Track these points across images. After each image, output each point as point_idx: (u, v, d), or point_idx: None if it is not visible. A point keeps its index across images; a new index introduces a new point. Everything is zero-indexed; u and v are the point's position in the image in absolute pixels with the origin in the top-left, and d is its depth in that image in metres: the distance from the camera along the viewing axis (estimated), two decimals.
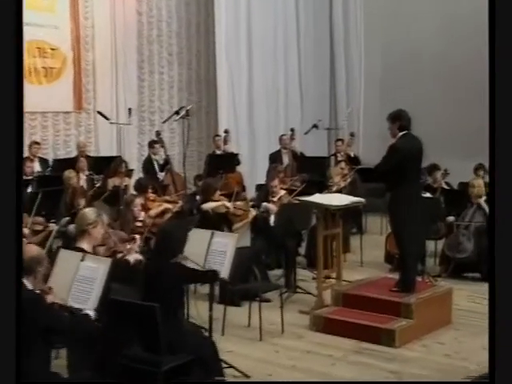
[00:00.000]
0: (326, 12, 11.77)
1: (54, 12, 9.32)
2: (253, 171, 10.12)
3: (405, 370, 4.54)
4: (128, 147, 9.70)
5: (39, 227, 5.90)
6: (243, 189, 8.61)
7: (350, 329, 5.10)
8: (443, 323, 5.37)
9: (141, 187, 6.60)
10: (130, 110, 7.86)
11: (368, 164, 7.01)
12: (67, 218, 6.16)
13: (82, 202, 6.33)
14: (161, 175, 8.68)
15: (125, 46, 10.02)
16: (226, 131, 9.61)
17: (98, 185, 7.85)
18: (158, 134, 9.02)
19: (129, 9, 10.03)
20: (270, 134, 10.69)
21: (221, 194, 6.73)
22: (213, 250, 4.49)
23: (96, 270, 3.91)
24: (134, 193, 6.68)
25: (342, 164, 8.51)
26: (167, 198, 7.10)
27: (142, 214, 6.00)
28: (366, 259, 7.39)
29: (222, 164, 8.74)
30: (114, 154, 8.48)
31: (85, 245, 4.20)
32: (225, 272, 4.42)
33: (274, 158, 9.29)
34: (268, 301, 5.63)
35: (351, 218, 7.67)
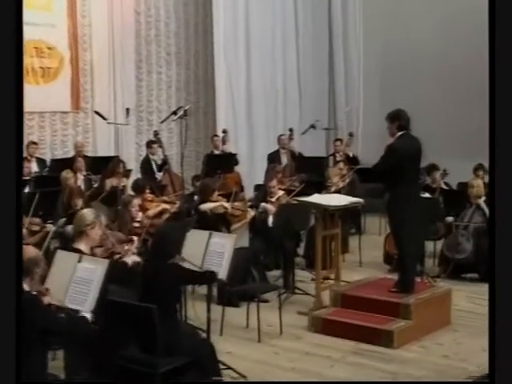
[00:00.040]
0: (325, 11, 11.75)
1: (51, 11, 9.28)
2: (251, 171, 10.09)
3: (403, 371, 4.53)
4: (126, 147, 9.69)
5: (36, 228, 5.87)
6: (241, 189, 8.59)
7: (349, 330, 5.09)
8: (442, 324, 5.36)
9: (138, 188, 6.58)
10: (127, 109, 7.83)
11: (367, 164, 7.00)
12: (64, 219, 6.14)
13: (80, 202, 6.30)
14: (159, 175, 8.65)
15: (123, 46, 10.00)
16: (224, 131, 9.59)
17: (95, 185, 7.83)
18: (155, 134, 9.00)
19: (127, 8, 10.01)
20: (268, 134, 10.67)
21: (219, 195, 6.70)
22: (211, 251, 4.47)
23: (93, 271, 3.90)
24: (132, 193, 6.65)
25: (341, 164, 8.50)
26: (165, 198, 7.07)
27: (140, 214, 5.98)
28: (365, 260, 7.37)
29: (220, 164, 8.72)
30: (112, 154, 8.46)
31: (82, 246, 4.19)
32: (223, 273, 4.40)
33: (273, 158, 9.27)
34: (266, 301, 5.61)
35: (350, 218, 7.65)
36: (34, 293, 3.50)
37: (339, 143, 9.61)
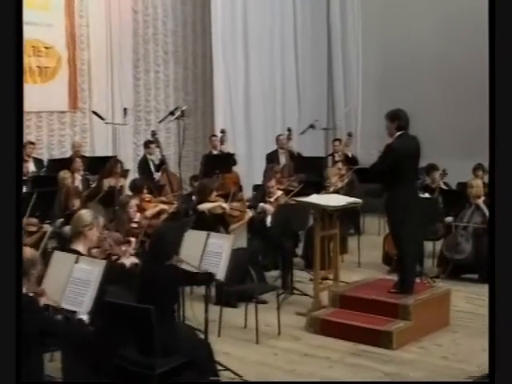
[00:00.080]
0: (324, 11, 11.73)
1: (48, 10, 9.25)
2: (249, 171, 10.07)
3: (402, 372, 4.51)
4: (124, 147, 9.66)
5: (33, 228, 5.84)
6: (240, 189, 8.56)
7: (348, 331, 5.07)
8: (441, 325, 5.35)
9: (136, 188, 6.55)
10: (125, 109, 7.80)
11: (366, 164, 6.97)
12: (62, 219, 6.11)
13: (77, 202, 6.28)
14: (157, 175, 8.63)
15: (120, 45, 9.98)
16: (223, 131, 9.56)
17: (93, 185, 7.80)
18: (153, 133, 8.96)
19: (124, 7, 9.99)
20: (266, 134, 10.65)
21: (217, 195, 6.68)
22: (208, 252, 4.46)
23: (90, 272, 3.89)
24: (130, 193, 6.63)
25: (340, 164, 8.47)
26: (163, 198, 7.04)
27: (138, 215, 5.95)
28: (364, 260, 7.35)
29: (219, 164, 8.70)
30: (110, 154, 8.43)
31: (80, 247, 4.18)
32: (221, 273, 4.38)
33: (271, 158, 9.25)
34: (264, 302, 5.60)
35: (349, 218, 7.63)
36: (31, 294, 3.47)
37: (338, 143, 9.59)
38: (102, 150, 9.33)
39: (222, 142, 9.38)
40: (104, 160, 8.17)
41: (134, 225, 5.76)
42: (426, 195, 7.07)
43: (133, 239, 4.77)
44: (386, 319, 5.09)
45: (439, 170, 7.63)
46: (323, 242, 5.64)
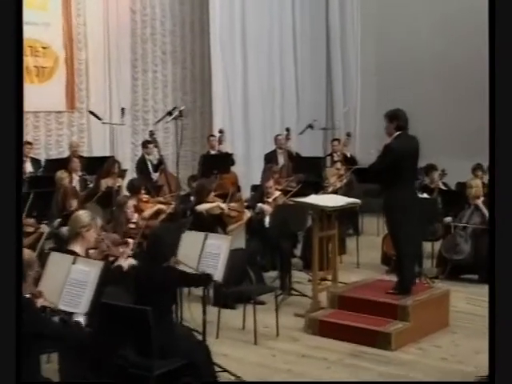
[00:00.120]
0: (323, 10, 11.71)
1: (46, 10, 9.22)
2: (248, 172, 10.05)
3: (401, 374, 4.50)
4: (121, 147, 9.63)
5: (30, 229, 5.80)
6: (238, 189, 8.54)
7: (346, 332, 5.06)
8: (440, 326, 5.33)
9: (133, 188, 6.52)
10: (123, 109, 7.77)
11: (365, 164, 6.96)
12: (59, 220, 6.09)
13: (74, 203, 6.25)
14: (155, 176, 8.60)
15: (118, 45, 9.94)
16: (221, 131, 9.54)
17: (90, 185, 7.77)
18: (151, 133, 8.93)
19: (122, 7, 9.95)
20: (265, 134, 10.63)
21: (215, 195, 6.66)
22: (206, 253, 4.44)
23: (87, 273, 3.88)
24: (127, 194, 6.60)
25: (338, 164, 8.46)
26: (160, 199, 7.02)
27: (135, 215, 5.92)
28: (363, 261, 7.33)
29: (217, 164, 8.67)
30: (107, 154, 8.40)
31: (78, 248, 4.16)
32: (218, 274, 4.36)
33: (270, 158, 9.23)
34: (263, 303, 5.58)
35: (347, 219, 7.61)
36: (28, 295, 3.45)
37: (337, 143, 9.56)
38: (100, 150, 9.30)
39: (220, 141, 9.36)
40: (102, 160, 8.14)
41: (132, 225, 5.74)
42: (425, 195, 7.05)
43: (130, 240, 4.73)
44: (385, 320, 5.07)
45: (438, 170, 7.62)
46: (322, 243, 5.62)
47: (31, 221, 5.93)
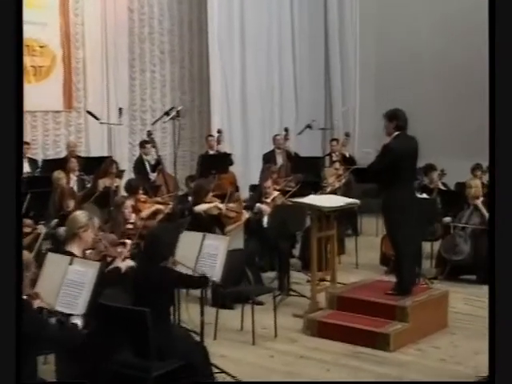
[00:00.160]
0: (321, 9, 11.68)
1: (43, 9, 9.17)
2: (246, 172, 10.03)
3: (399, 375, 4.48)
4: (119, 147, 9.61)
5: (27, 229, 5.77)
6: (236, 189, 8.52)
7: (345, 333, 5.04)
8: (439, 327, 5.31)
9: (131, 188, 6.50)
10: (120, 109, 7.73)
11: (363, 164, 6.94)
12: (56, 220, 6.06)
13: (72, 203, 6.22)
14: (152, 176, 8.57)
15: (116, 44, 9.91)
16: (219, 131, 9.51)
17: (88, 185, 7.75)
18: (149, 133, 8.90)
19: (120, 6, 9.92)
20: (263, 134, 10.60)
21: (214, 195, 6.63)
22: (204, 253, 4.44)
23: (85, 274, 3.87)
24: (125, 194, 6.57)
25: (337, 164, 8.43)
26: (158, 199, 6.99)
27: (133, 215, 5.90)
28: (362, 261, 7.31)
29: (215, 164, 8.64)
30: (105, 154, 8.37)
31: (75, 248, 4.15)
32: (216, 275, 4.35)
33: (268, 158, 9.21)
34: (261, 304, 5.55)
35: (346, 219, 7.59)
36: (24, 297, 3.43)
37: (335, 143, 9.54)
38: (97, 150, 9.27)
39: (218, 141, 9.33)
40: (99, 160, 8.11)
41: (130, 226, 5.71)
42: (424, 196, 7.02)
43: (128, 241, 4.71)
44: (384, 321, 5.06)
45: (437, 170, 7.59)
46: (320, 243, 5.60)
47: (28, 221, 5.90)
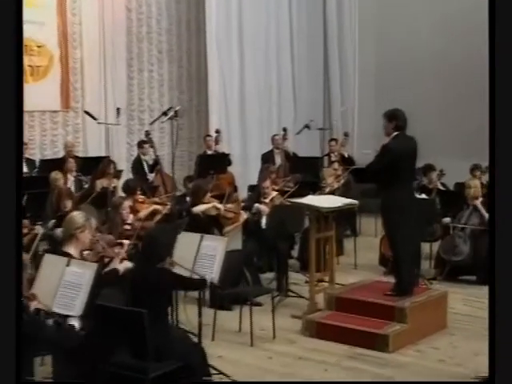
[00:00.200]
0: (320, 8, 11.65)
1: (40, 8, 9.14)
2: (245, 172, 10.00)
3: (398, 376, 4.46)
4: (117, 147, 9.58)
5: (24, 230, 5.74)
6: (235, 190, 8.49)
7: (343, 334, 5.02)
8: (438, 327, 5.29)
9: (129, 189, 6.48)
10: (118, 109, 7.71)
11: (362, 164, 6.91)
12: (53, 221, 6.03)
13: (69, 204, 6.19)
14: (150, 176, 8.54)
15: (113, 44, 9.89)
16: (218, 131, 9.49)
17: (86, 186, 7.71)
18: (147, 133, 8.84)
19: (118, 5, 9.90)
20: (262, 134, 10.58)
21: (212, 196, 6.61)
22: (202, 254, 4.42)
23: (82, 275, 3.87)
24: (123, 195, 6.55)
25: (336, 165, 8.41)
26: (156, 199, 6.97)
27: (131, 216, 5.87)
28: (360, 262, 7.29)
29: (213, 164, 8.61)
30: (103, 154, 8.34)
31: (72, 249, 4.14)
32: (214, 276, 4.33)
33: (267, 158, 9.18)
34: (259, 305, 5.53)
35: (345, 219, 7.56)
36: (22, 298, 3.41)
37: (334, 143, 9.52)
38: (95, 150, 9.24)
39: (216, 141, 9.31)
40: (97, 160, 8.08)
41: (127, 227, 5.68)
42: (423, 196, 7.00)
43: (126, 241, 4.69)
44: (383, 322, 5.04)
45: (436, 171, 7.57)
46: (319, 244, 5.58)
47: (25, 222, 5.86)
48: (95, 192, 7.06)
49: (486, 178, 7.29)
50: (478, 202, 6.66)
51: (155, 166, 8.59)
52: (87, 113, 7.85)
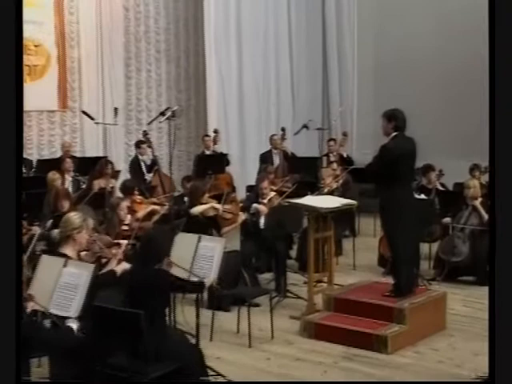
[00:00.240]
0: (319, 7, 11.64)
1: (38, 7, 9.12)
2: (243, 172, 9.98)
3: (397, 377, 4.45)
4: (115, 147, 9.56)
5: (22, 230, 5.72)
6: (233, 190, 8.47)
7: (342, 335, 5.00)
8: (437, 328, 5.28)
9: (127, 189, 6.45)
10: (116, 109, 7.67)
11: (361, 165, 6.90)
12: (51, 221, 5.99)
13: (66, 204, 6.15)
14: (148, 176, 8.52)
15: (111, 43, 9.87)
16: (216, 131, 9.47)
17: (83, 186, 7.68)
18: (145, 133, 8.85)
19: (115, 4, 9.88)
20: (260, 134, 10.56)
21: (210, 196, 6.58)
22: (200, 255, 4.41)
23: (79, 276, 3.86)
24: (120, 195, 6.52)
25: (334, 165, 8.38)
26: (154, 200, 6.94)
27: (129, 217, 5.84)
28: (359, 262, 7.28)
29: (212, 164, 8.59)
30: (101, 154, 8.31)
31: (69, 250, 4.13)
32: (212, 277, 4.32)
33: (265, 158, 9.16)
34: (257, 306, 5.52)
35: (343, 220, 7.53)
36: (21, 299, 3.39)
37: (333, 143, 9.50)
38: (93, 150, 9.22)
39: (214, 141, 9.29)
40: (94, 160, 8.06)
41: (125, 227, 5.65)
42: (422, 196, 6.99)
43: (123, 242, 4.67)
44: (381, 323, 5.02)
45: (435, 171, 7.56)
46: (317, 244, 5.56)
47: (23, 222, 5.84)
48: (93, 192, 7.03)
49: (485, 178, 7.28)
50: (478, 203, 6.65)
51: (153, 166, 8.57)
52: (85, 113, 7.81)
